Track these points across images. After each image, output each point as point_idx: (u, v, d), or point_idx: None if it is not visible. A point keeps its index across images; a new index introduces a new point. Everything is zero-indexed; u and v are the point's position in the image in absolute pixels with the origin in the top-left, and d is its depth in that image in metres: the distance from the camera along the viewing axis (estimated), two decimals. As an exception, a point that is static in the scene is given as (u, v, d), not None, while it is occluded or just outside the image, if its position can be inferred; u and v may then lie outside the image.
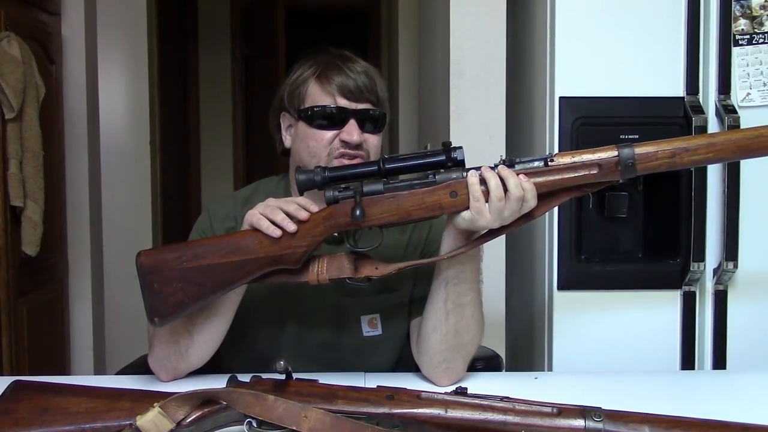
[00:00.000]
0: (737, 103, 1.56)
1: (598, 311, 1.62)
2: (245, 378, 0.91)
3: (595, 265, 1.62)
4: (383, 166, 1.05)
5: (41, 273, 2.49)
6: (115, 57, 3.00)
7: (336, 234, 1.13)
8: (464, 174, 1.04)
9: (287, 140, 1.28)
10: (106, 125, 2.95)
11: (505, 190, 1.01)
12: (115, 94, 3.02)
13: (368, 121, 1.21)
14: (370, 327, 1.26)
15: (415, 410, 0.86)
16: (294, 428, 0.84)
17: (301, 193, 1.09)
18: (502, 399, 0.86)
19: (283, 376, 0.89)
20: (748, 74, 1.57)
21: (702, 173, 1.56)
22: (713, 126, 1.57)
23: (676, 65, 1.59)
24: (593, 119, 1.59)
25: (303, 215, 1.06)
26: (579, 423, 0.83)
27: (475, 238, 1.10)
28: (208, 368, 1.20)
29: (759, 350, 1.59)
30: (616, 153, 1.01)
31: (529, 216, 1.05)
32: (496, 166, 1.04)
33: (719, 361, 1.60)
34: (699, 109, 1.56)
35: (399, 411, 0.86)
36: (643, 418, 0.84)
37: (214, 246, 1.07)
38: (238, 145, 4.71)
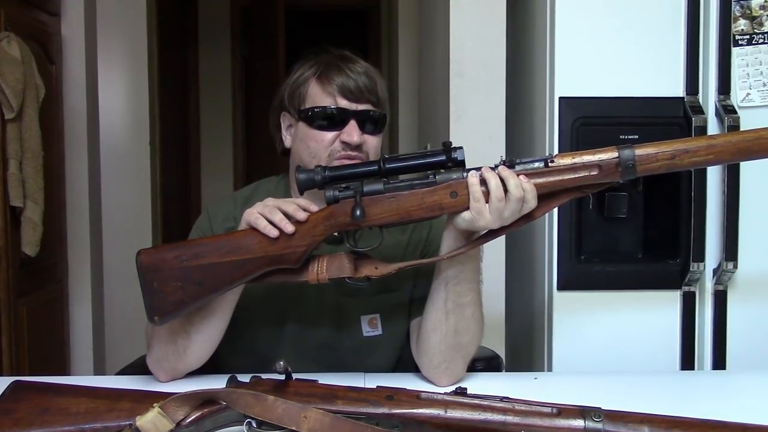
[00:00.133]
0: (737, 103, 1.56)
1: (597, 311, 1.62)
2: (245, 378, 0.91)
3: (594, 265, 1.62)
4: (384, 166, 1.05)
5: (41, 273, 2.49)
6: (115, 57, 3.00)
7: (336, 234, 1.13)
8: (465, 174, 1.04)
9: (287, 140, 1.28)
10: (105, 125, 2.95)
11: (506, 190, 1.02)
12: (115, 94, 3.02)
13: (368, 122, 1.21)
14: (370, 327, 1.26)
15: (414, 410, 0.86)
16: (293, 428, 0.84)
17: (301, 193, 1.09)
18: (502, 399, 0.86)
19: (282, 377, 0.89)
20: (748, 74, 1.57)
21: (702, 173, 1.56)
22: (713, 126, 1.57)
23: (676, 65, 1.59)
24: (593, 119, 1.59)
25: (302, 216, 1.06)
26: (578, 423, 0.83)
27: (476, 239, 1.10)
28: (208, 369, 1.20)
29: (759, 350, 1.59)
30: (616, 154, 1.01)
31: (529, 217, 1.05)
32: (496, 166, 1.04)
33: (719, 362, 1.60)
34: (699, 110, 1.56)
35: (398, 411, 0.86)
36: (643, 418, 0.84)
37: (213, 245, 1.07)
38: (238, 145, 4.71)
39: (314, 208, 1.08)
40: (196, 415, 0.86)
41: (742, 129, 1.51)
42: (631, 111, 1.59)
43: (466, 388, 0.89)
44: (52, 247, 2.54)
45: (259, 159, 4.53)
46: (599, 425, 0.83)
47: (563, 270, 1.62)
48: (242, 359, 1.24)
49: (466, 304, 1.14)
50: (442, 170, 1.05)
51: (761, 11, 1.56)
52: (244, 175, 4.67)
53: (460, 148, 1.05)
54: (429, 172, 1.06)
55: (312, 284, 1.10)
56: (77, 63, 2.72)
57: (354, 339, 1.25)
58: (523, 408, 0.85)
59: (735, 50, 1.57)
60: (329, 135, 1.20)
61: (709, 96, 1.58)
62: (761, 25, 1.56)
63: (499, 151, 1.95)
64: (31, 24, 2.44)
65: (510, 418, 0.84)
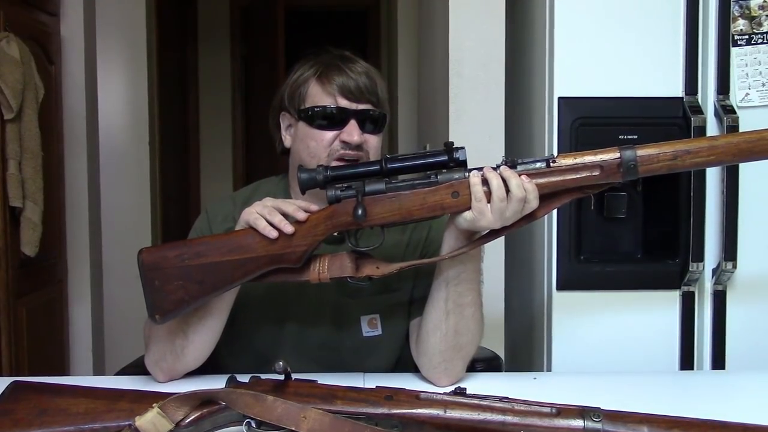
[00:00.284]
0: (736, 103, 1.56)
1: (597, 311, 1.62)
2: (244, 378, 0.91)
3: (594, 265, 1.62)
4: (385, 166, 1.05)
5: (40, 274, 2.49)
6: (115, 57, 3.00)
7: (336, 234, 1.13)
8: (466, 174, 1.04)
9: (287, 140, 1.28)
10: (105, 126, 2.95)
11: (507, 190, 1.02)
12: (115, 94, 3.02)
13: (368, 122, 1.21)
14: (370, 327, 1.26)
15: (414, 410, 0.86)
16: (293, 429, 0.84)
17: (303, 192, 1.09)
18: (501, 399, 0.86)
19: (282, 377, 0.89)
20: (747, 74, 1.57)
21: (701, 174, 1.56)
22: (712, 126, 1.57)
23: (675, 65, 1.59)
24: (592, 119, 1.59)
25: (301, 216, 1.06)
26: (578, 423, 0.83)
27: (477, 239, 1.10)
28: (208, 369, 1.20)
29: (758, 350, 1.59)
30: (618, 155, 1.01)
31: (530, 217, 1.05)
32: (498, 166, 1.04)
33: (718, 361, 1.60)
34: (698, 110, 1.56)
35: (398, 411, 0.86)
36: (642, 418, 0.84)
37: (215, 244, 1.07)
38: (238, 145, 4.71)
39: (314, 208, 1.08)
40: (196, 415, 0.86)
41: (741, 129, 1.51)
42: (631, 111, 1.59)
43: (465, 388, 0.89)
44: (52, 248, 2.54)
45: (258, 159, 4.52)
46: (598, 425, 0.83)
47: (562, 270, 1.62)
48: (242, 359, 1.24)
49: (467, 305, 1.14)
50: (444, 170, 1.05)
51: (760, 11, 1.56)
52: (243, 175, 4.67)
53: (462, 148, 1.05)
54: (431, 172, 1.06)
55: (312, 284, 1.11)
56: (77, 63, 2.72)
57: (354, 339, 1.25)
58: (522, 408, 0.85)
59: (734, 50, 1.57)
60: (329, 135, 1.20)
61: (708, 96, 1.58)
62: (760, 25, 1.56)
63: (499, 151, 1.96)
64: (31, 24, 2.44)
65: (509, 418, 0.85)
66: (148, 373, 1.18)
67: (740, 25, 1.56)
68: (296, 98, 1.24)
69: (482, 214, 1.03)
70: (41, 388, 0.95)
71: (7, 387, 0.95)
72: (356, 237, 1.10)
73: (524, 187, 1.02)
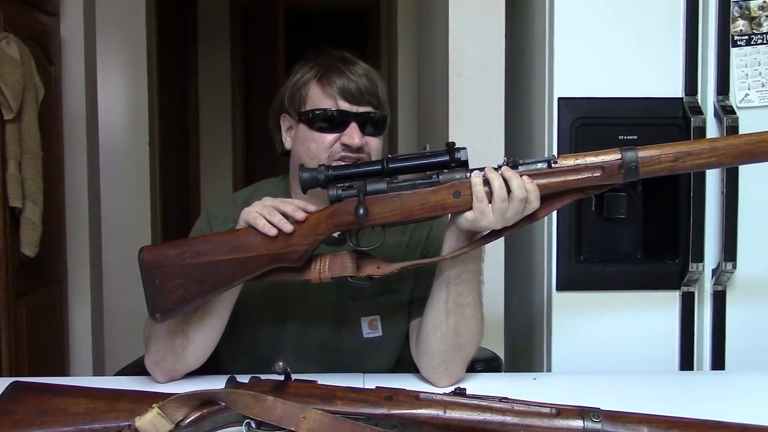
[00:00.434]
0: (736, 103, 1.56)
1: (597, 312, 1.62)
2: (244, 379, 0.91)
3: (594, 265, 1.62)
4: (387, 166, 1.05)
5: (40, 274, 2.49)
6: (115, 58, 3.00)
7: (336, 235, 1.13)
8: (468, 174, 1.04)
9: (287, 142, 1.28)
10: (105, 126, 2.95)
11: (509, 191, 1.02)
12: (115, 94, 3.02)
13: (369, 124, 1.21)
14: (371, 329, 1.26)
15: (413, 411, 0.86)
16: (293, 429, 0.84)
17: (304, 192, 1.09)
18: (501, 400, 0.86)
19: (282, 377, 0.89)
20: (747, 75, 1.57)
21: (701, 174, 1.56)
22: (712, 127, 1.57)
23: (675, 66, 1.59)
24: (592, 120, 1.59)
25: (300, 215, 1.06)
26: (577, 423, 0.83)
27: (478, 239, 1.10)
28: (208, 369, 1.20)
29: (758, 351, 1.59)
30: (619, 156, 1.01)
31: (532, 217, 1.05)
32: (499, 167, 1.04)
33: (718, 362, 1.60)
34: (697, 110, 1.56)
35: (398, 412, 0.86)
36: (642, 418, 0.84)
37: (216, 243, 1.07)
38: (238, 146, 4.71)
39: (312, 208, 1.08)
40: (196, 415, 0.86)
41: (740, 129, 1.51)
42: (630, 111, 1.59)
43: (465, 389, 0.89)
44: (52, 248, 2.54)
45: (258, 159, 4.53)
46: (598, 425, 0.83)
47: (562, 270, 1.62)
48: (242, 360, 1.24)
49: (467, 305, 1.14)
50: (445, 170, 1.05)
51: (760, 12, 1.56)
52: (243, 176, 4.67)
53: (464, 148, 1.05)
54: (432, 172, 1.06)
55: (313, 285, 1.11)
56: (76, 63, 2.72)
57: (354, 340, 1.25)
58: (522, 408, 0.85)
59: (734, 51, 1.57)
60: (330, 137, 1.20)
61: (707, 96, 1.58)
62: (760, 25, 1.56)
63: (499, 151, 1.96)
64: (31, 25, 2.44)
65: (509, 419, 0.85)
66: (148, 373, 1.18)
67: (740, 25, 1.56)
68: (296, 100, 1.24)
69: (483, 214, 1.03)
70: (41, 388, 0.95)
71: (7, 387, 0.95)
72: (357, 237, 1.10)
73: (526, 188, 1.02)
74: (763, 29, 1.56)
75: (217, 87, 4.62)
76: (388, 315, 1.26)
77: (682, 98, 1.59)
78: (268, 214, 1.06)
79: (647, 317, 1.61)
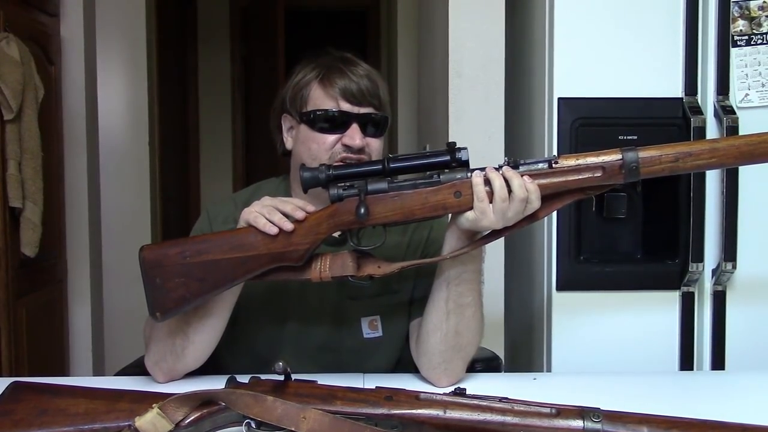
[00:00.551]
0: (736, 104, 1.56)
1: (597, 312, 1.62)
2: (244, 379, 0.91)
3: (594, 265, 1.63)
4: (388, 166, 1.05)
5: (40, 274, 2.49)
6: (114, 58, 3.00)
7: (337, 235, 1.13)
8: (468, 174, 1.04)
9: (288, 142, 1.28)
10: (105, 126, 2.95)
11: (510, 191, 1.02)
12: (114, 94, 3.02)
13: (370, 125, 1.21)
14: (371, 329, 1.26)
15: (413, 411, 0.86)
16: (293, 429, 0.84)
17: (305, 191, 1.09)
18: (501, 400, 0.86)
19: (282, 377, 0.89)
20: (747, 75, 1.57)
21: (701, 174, 1.56)
22: (711, 127, 1.57)
23: (675, 66, 1.59)
24: (592, 120, 1.59)
25: (300, 215, 1.06)
26: (577, 423, 0.83)
27: (478, 239, 1.10)
28: (209, 369, 1.20)
29: (757, 351, 1.59)
30: (620, 156, 1.02)
31: (532, 217, 1.05)
32: (500, 167, 1.04)
33: (718, 362, 1.60)
34: (697, 110, 1.56)
35: (398, 412, 0.86)
36: (642, 418, 0.84)
37: (217, 242, 1.07)
38: (238, 146, 4.71)
39: (311, 207, 1.08)
40: (195, 415, 0.86)
41: (740, 130, 1.52)
42: (630, 112, 1.59)
43: (465, 389, 0.89)
44: (52, 248, 2.54)
45: (258, 159, 4.53)
46: (598, 426, 0.83)
47: (562, 270, 1.62)
48: (242, 360, 1.24)
49: (467, 305, 1.14)
50: (446, 170, 1.05)
51: (760, 12, 1.56)
52: (243, 176, 4.67)
53: (465, 148, 1.05)
54: (433, 172, 1.06)
55: (313, 286, 1.11)
56: (76, 64, 2.72)
57: (354, 341, 1.25)
58: (522, 408, 0.85)
59: (734, 51, 1.57)
60: (331, 138, 1.20)
61: (707, 97, 1.58)
62: (760, 25, 1.56)
63: (499, 152, 1.96)
64: (31, 25, 2.44)
65: (509, 419, 0.85)
66: (148, 373, 1.18)
67: (740, 25, 1.56)
68: (298, 101, 1.24)
69: (484, 214, 1.03)
70: (41, 388, 0.95)
71: (6, 387, 0.95)
72: (358, 236, 1.10)
73: (527, 188, 1.02)
74: (763, 29, 1.56)
75: (217, 87, 4.61)
76: (388, 315, 1.26)
77: (682, 98, 1.59)
78: (268, 213, 1.07)
79: (647, 317, 1.61)
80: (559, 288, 1.63)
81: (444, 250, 1.12)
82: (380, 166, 1.06)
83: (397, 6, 3.41)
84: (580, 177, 1.03)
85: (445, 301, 1.13)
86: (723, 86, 1.57)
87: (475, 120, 2.01)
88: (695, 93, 1.59)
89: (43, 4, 2.56)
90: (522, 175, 1.03)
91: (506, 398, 0.87)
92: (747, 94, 1.57)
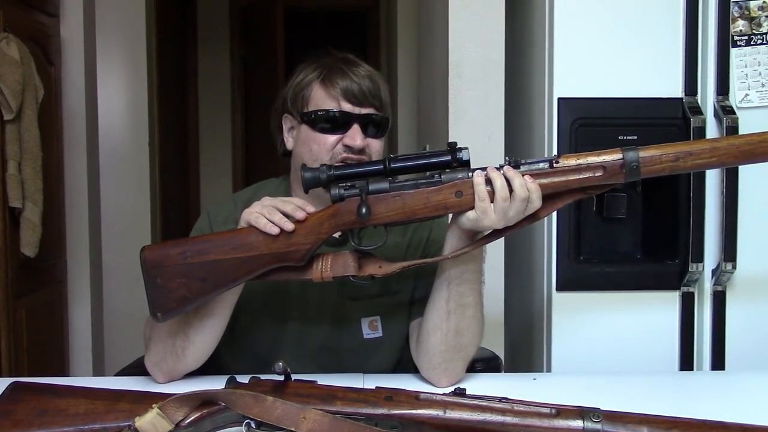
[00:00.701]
0: (736, 104, 1.56)
1: (596, 312, 1.62)
2: (244, 379, 0.91)
3: (593, 265, 1.62)
4: (389, 166, 1.05)
5: (40, 274, 2.49)
6: (114, 58, 3.00)
7: (338, 236, 1.13)
8: (470, 174, 1.04)
9: (289, 142, 1.28)
10: (105, 126, 2.95)
11: (511, 190, 1.02)
12: (114, 95, 3.02)
13: (371, 126, 1.21)
14: (371, 329, 1.26)
15: (413, 411, 0.86)
16: (293, 429, 0.84)
17: (306, 191, 1.09)
18: (501, 400, 0.86)
19: (281, 377, 0.89)
20: (747, 75, 1.57)
21: (701, 174, 1.56)
22: (711, 127, 1.57)
23: (675, 66, 1.59)
24: (592, 120, 1.59)
25: (300, 215, 1.06)
26: (577, 424, 0.83)
27: (479, 239, 1.10)
28: (209, 369, 1.20)
29: (757, 351, 1.59)
30: (620, 156, 1.02)
31: (533, 217, 1.06)
32: (501, 166, 1.04)
33: (718, 362, 1.60)
34: (697, 110, 1.56)
35: (398, 412, 0.86)
36: (642, 418, 0.84)
37: (218, 242, 1.07)
38: (238, 146, 4.71)
39: (311, 208, 1.08)
40: (195, 416, 0.86)
41: (740, 130, 1.51)
42: (630, 112, 1.59)
43: (465, 389, 0.89)
44: (51, 248, 2.54)
45: (258, 160, 4.53)
46: (598, 426, 0.83)
47: (562, 270, 1.62)
48: (242, 360, 1.24)
49: (468, 305, 1.14)
50: (447, 170, 1.05)
51: (760, 12, 1.56)
52: (243, 176, 4.67)
53: (466, 148, 1.05)
54: (434, 172, 1.06)
55: (313, 286, 1.11)
56: (76, 64, 2.72)
57: (354, 341, 1.25)
58: (521, 408, 0.85)
59: (733, 51, 1.57)
60: (332, 138, 1.20)
61: (707, 97, 1.58)
62: (760, 25, 1.56)
63: (499, 152, 1.96)
64: (31, 25, 2.44)
65: (509, 419, 0.85)
66: (148, 373, 1.18)
67: (740, 25, 1.56)
68: (299, 101, 1.24)
69: (485, 213, 1.03)
70: (41, 388, 0.95)
71: (6, 387, 0.95)
72: (359, 236, 1.10)
73: (527, 187, 1.02)
74: (763, 29, 1.56)
75: (216, 87, 4.61)
76: (389, 316, 1.26)
77: (682, 98, 1.59)
78: (268, 213, 1.07)
79: (647, 317, 1.61)
80: (559, 288, 1.63)
81: (445, 249, 1.12)
82: (381, 166, 1.06)
83: (397, 6, 3.41)
84: (581, 176, 1.03)
85: (446, 301, 1.13)
86: (723, 86, 1.57)
87: (475, 120, 2.01)
88: (695, 93, 1.59)
89: (43, 4, 2.56)
90: (523, 175, 1.03)
91: (506, 398, 0.87)
92: (747, 94, 1.57)
